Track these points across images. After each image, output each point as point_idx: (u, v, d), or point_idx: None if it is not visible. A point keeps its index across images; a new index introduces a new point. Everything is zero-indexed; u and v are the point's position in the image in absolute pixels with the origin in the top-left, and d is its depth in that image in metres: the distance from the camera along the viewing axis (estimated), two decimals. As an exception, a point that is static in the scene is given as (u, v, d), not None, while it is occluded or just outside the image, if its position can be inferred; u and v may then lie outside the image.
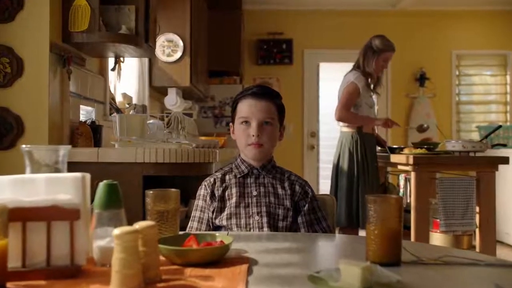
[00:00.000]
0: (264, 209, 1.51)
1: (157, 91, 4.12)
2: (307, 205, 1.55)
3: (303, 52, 6.03)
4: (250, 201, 1.53)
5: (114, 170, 2.22)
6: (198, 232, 1.51)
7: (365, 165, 3.30)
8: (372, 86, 3.46)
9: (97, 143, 2.41)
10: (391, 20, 5.94)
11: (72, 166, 2.34)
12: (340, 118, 3.40)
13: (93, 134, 2.39)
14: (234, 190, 1.55)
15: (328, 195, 1.70)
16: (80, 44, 2.28)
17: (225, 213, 1.52)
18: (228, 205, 1.54)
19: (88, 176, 0.98)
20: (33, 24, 2.07)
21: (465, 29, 6.09)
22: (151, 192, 1.12)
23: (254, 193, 1.54)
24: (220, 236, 1.08)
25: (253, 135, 1.52)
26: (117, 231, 0.82)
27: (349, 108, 3.37)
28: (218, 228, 1.54)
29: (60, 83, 2.20)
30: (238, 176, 1.57)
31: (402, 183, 3.51)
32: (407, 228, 3.53)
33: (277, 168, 1.62)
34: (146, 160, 2.23)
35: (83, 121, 2.37)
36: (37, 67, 2.07)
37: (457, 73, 6.17)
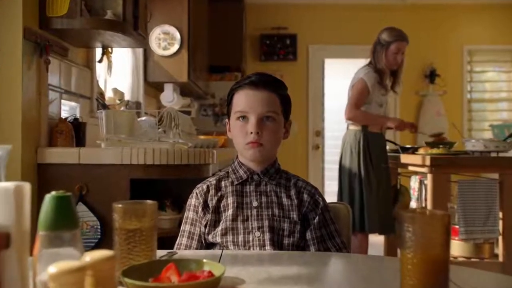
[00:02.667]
0: (266, 223, 1.25)
1: (153, 87, 3.87)
2: (317, 217, 1.30)
3: (307, 47, 5.78)
4: (249, 213, 1.27)
5: (97, 173, 1.98)
6: (187, 251, 1.26)
7: (368, 166, 3.09)
8: (386, 83, 3.23)
9: (80, 142, 2.16)
10: (400, 14, 5.67)
11: (50, 169, 2.11)
12: (350, 118, 3.21)
13: (76, 132, 2.14)
14: (230, 200, 1.29)
15: (342, 203, 1.44)
16: (60, 31, 2.03)
17: (220, 228, 1.26)
18: (223, 218, 1.28)
19: (27, 186, 0.72)
20: (3, 7, 1.81)
21: (477, 23, 5.82)
22: (119, 205, 0.86)
23: (255, 203, 1.28)
24: (209, 264, 0.83)
25: (252, 132, 1.27)
26: (53, 268, 0.57)
27: (360, 107, 3.17)
28: (211, 245, 1.29)
29: (36, 74, 1.95)
30: (236, 182, 1.31)
31: (416, 186, 3.25)
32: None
33: (282, 173, 1.36)
34: (133, 161, 1.98)
35: (64, 118, 2.11)
36: (8, 55, 1.82)
37: (468, 69, 5.90)
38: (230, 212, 1.27)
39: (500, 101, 6.01)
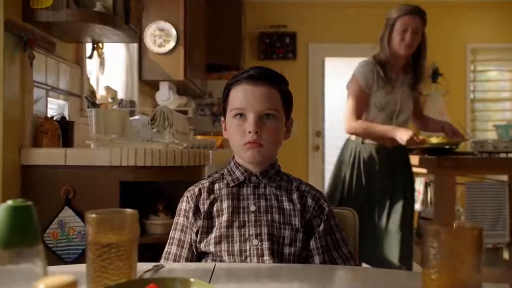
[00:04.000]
0: (265, 230, 1.14)
1: (149, 86, 3.74)
2: (322, 224, 1.18)
3: (307, 46, 5.65)
4: (246, 218, 1.16)
5: (85, 176, 1.86)
6: (176, 264, 1.14)
7: (350, 183, 2.51)
8: (393, 77, 2.49)
9: (68, 142, 2.04)
10: (402, 11, 5.55)
11: (35, 171, 1.98)
12: (349, 131, 2.54)
13: (64, 132, 2.02)
14: (225, 204, 1.17)
15: (349, 209, 1.32)
16: (46, 24, 1.91)
17: (213, 235, 1.14)
18: (217, 224, 1.16)
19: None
20: (-18, -3, 1.70)
21: (481, 21, 5.70)
22: (92, 215, 0.74)
23: (252, 207, 1.17)
24: (197, 285, 0.71)
25: (250, 132, 1.15)
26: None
27: (360, 115, 2.49)
28: (203, 254, 1.17)
29: (20, 70, 1.83)
30: (231, 184, 1.20)
31: (421, 188, 3.13)
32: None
33: (283, 175, 1.24)
34: (123, 163, 1.86)
35: (50, 116, 1.99)
36: (-12, 49, 1.70)
37: (472, 68, 5.78)
38: (224, 217, 1.15)
39: (504, 101, 5.89)
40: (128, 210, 0.78)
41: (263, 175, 1.20)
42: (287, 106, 1.23)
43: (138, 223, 0.78)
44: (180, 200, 1.23)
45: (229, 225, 1.14)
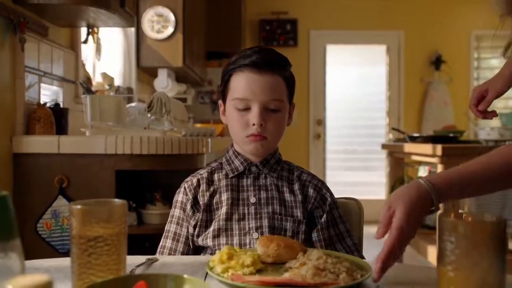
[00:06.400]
0: (265, 222, 1.08)
1: (147, 73, 3.67)
2: (325, 215, 1.12)
3: (309, 33, 5.56)
4: (246, 211, 1.10)
5: (79, 164, 1.80)
6: (171, 257, 1.08)
7: None
8: None
9: (62, 130, 1.98)
10: (405, -3, 5.45)
11: (27, 159, 1.92)
12: None
13: (57, 119, 1.96)
14: (224, 196, 1.11)
15: (353, 198, 1.26)
16: (37, 6, 1.84)
17: (211, 228, 1.08)
18: (216, 217, 1.10)
19: None
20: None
21: (486, 7, 5.59)
22: (77, 207, 0.68)
23: (252, 199, 1.11)
24: (191, 281, 0.65)
25: (254, 124, 1.08)
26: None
27: None
28: (200, 249, 1.11)
29: (10, 54, 1.76)
30: (230, 175, 1.13)
31: (425, 177, 3.06)
32: (431, 228, 3.10)
33: (284, 164, 1.18)
34: (119, 151, 1.80)
35: (42, 103, 1.92)
36: (-24, 32, 1.63)
37: (476, 55, 5.69)
38: (223, 210, 1.09)
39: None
40: (117, 201, 0.72)
41: (264, 165, 1.14)
42: (290, 91, 1.16)
43: (126, 214, 0.71)
44: (177, 191, 1.17)
45: (228, 217, 1.08)
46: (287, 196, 1.12)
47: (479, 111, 1.28)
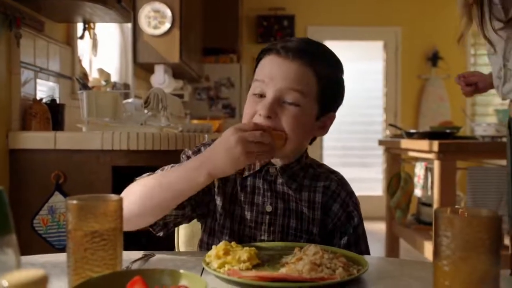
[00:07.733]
0: (278, 237, 0.97)
1: (144, 69, 3.66)
2: (347, 237, 0.99)
3: (306, 29, 5.55)
4: (260, 219, 0.98)
5: (75, 160, 1.80)
6: (167, 253, 1.06)
7: None
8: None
9: (58, 126, 1.97)
10: (402, -6, 5.45)
11: (23, 155, 1.92)
12: None
13: (54, 115, 1.95)
14: (242, 196, 1.00)
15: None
16: (34, 2, 1.83)
17: (221, 222, 0.99)
18: (228, 216, 0.99)
19: None
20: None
21: (483, 4, 5.60)
22: (73, 202, 0.68)
23: (268, 208, 0.98)
24: (188, 277, 0.65)
25: (260, 115, 0.93)
26: None
27: None
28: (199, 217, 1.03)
29: (6, 50, 1.75)
30: (246, 174, 1.00)
31: (422, 173, 3.07)
32: (427, 224, 3.11)
33: (309, 169, 1.03)
34: (115, 147, 1.80)
35: (38, 99, 1.92)
36: (-28, 27, 1.62)
37: (472, 52, 5.69)
38: (238, 212, 0.98)
39: (505, 85, 5.83)
40: (113, 196, 0.72)
41: (283, 171, 0.99)
42: (324, 95, 0.98)
43: (123, 209, 0.71)
44: (191, 149, 1.04)
45: (241, 221, 0.99)
46: (305, 209, 0.99)
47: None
